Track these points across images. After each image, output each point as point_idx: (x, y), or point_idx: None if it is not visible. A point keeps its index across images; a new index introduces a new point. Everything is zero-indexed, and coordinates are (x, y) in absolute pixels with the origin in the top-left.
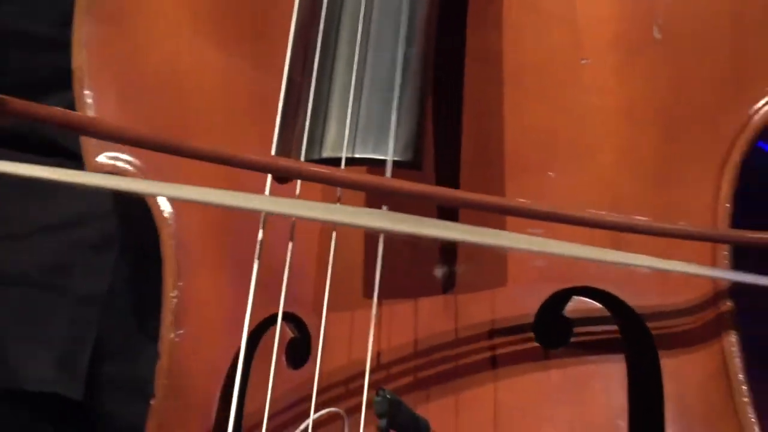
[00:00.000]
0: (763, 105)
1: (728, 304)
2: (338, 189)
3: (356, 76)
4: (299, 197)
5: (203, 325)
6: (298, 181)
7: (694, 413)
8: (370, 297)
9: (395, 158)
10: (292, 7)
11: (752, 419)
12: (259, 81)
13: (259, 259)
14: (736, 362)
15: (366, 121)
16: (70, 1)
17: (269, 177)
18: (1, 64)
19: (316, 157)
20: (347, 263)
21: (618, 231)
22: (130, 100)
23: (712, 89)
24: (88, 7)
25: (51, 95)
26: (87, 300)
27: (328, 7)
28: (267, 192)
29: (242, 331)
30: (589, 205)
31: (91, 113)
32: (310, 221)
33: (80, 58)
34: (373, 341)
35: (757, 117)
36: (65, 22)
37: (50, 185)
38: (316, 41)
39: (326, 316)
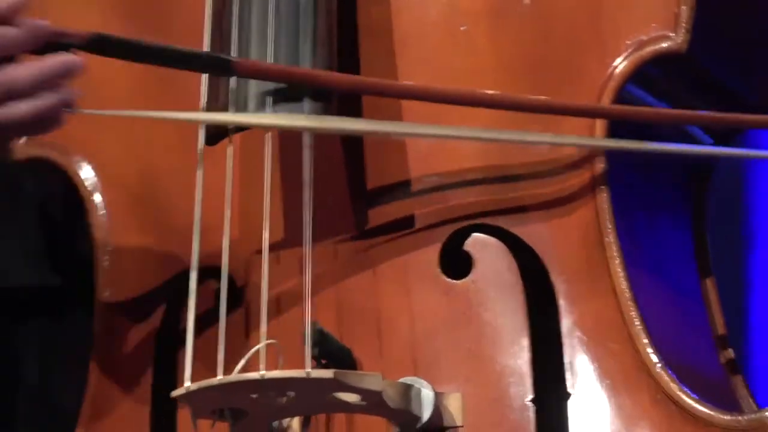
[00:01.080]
0: (622, 60)
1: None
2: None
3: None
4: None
5: (133, 281)
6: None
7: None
8: (297, 242)
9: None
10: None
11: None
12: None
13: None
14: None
15: None
16: None
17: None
18: None
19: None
20: (260, 212)
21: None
22: None
23: (575, 46)
24: None
25: None
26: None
27: None
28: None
29: (168, 282)
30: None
31: None
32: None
33: None
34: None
35: (617, 71)
36: None
37: None
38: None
39: (248, 261)
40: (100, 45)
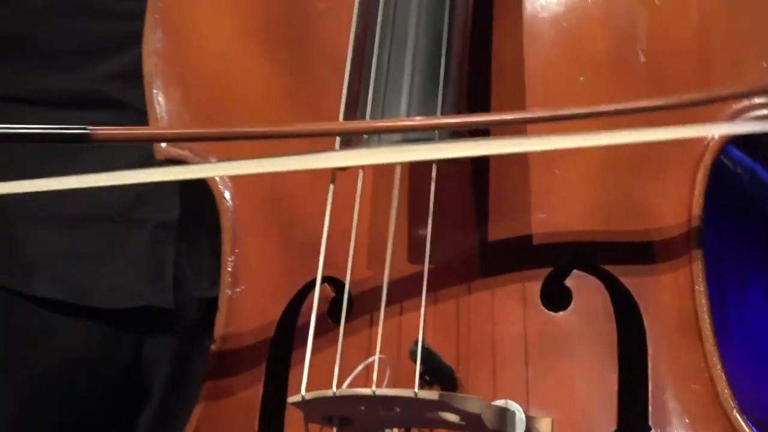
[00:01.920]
0: (735, 113)
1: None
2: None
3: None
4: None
5: (256, 284)
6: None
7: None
8: (416, 261)
9: None
10: (326, 24)
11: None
12: (296, 85)
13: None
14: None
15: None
16: None
17: None
18: (70, 29)
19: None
20: (386, 230)
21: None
22: (190, 97)
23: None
24: (156, 21)
25: (111, 57)
26: (162, 226)
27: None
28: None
29: (289, 288)
30: (578, 196)
31: (159, 109)
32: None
33: (149, 63)
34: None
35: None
36: None
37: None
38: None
39: (366, 279)
40: None
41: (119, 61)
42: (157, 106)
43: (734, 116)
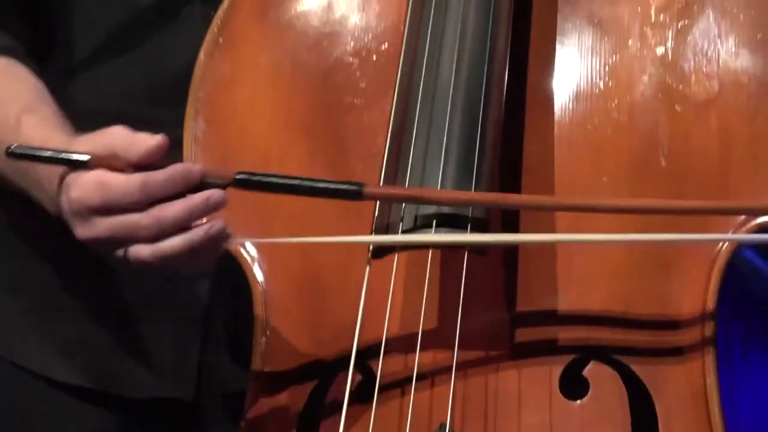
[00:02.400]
0: (741, 224)
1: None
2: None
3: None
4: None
5: (285, 366)
6: (395, 258)
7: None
8: (445, 344)
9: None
10: (364, 113)
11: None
12: (333, 176)
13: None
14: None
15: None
16: (158, 85)
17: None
18: None
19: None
20: (418, 312)
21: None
22: None
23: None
24: (196, 110)
25: None
26: (187, 320)
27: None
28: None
29: (316, 369)
30: (600, 285)
31: None
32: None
33: (188, 150)
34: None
35: (736, 235)
36: (154, 102)
37: None
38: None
39: (395, 361)
40: (243, 184)
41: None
42: None
43: (745, 224)
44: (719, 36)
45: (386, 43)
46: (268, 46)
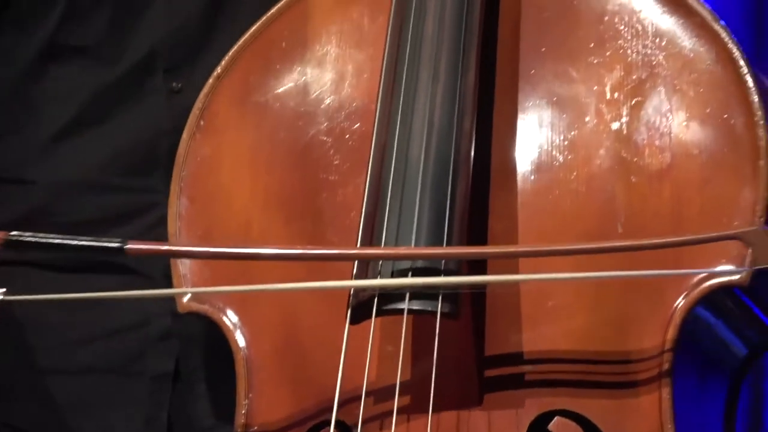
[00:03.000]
0: (694, 286)
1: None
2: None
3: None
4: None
5: (268, 424)
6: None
7: None
8: (419, 402)
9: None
10: (339, 189)
11: None
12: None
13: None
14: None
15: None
16: (129, 155)
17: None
18: (88, 203)
19: (383, 306)
20: (392, 378)
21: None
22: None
23: (659, 269)
24: (180, 189)
25: (123, 226)
26: (159, 377)
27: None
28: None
29: (300, 428)
30: (563, 329)
31: (183, 267)
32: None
33: (174, 226)
34: None
35: (690, 296)
36: (127, 172)
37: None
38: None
39: (372, 417)
40: (15, 245)
41: (130, 231)
42: (180, 265)
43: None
44: (670, 111)
45: (359, 123)
46: (247, 127)
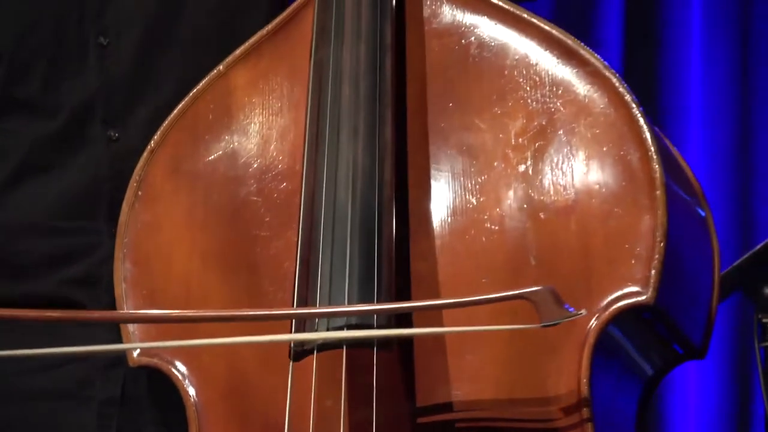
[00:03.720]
0: (604, 308)
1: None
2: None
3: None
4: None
5: None
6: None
7: None
8: None
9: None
10: (272, 242)
11: None
12: (250, 299)
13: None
14: None
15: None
16: (72, 199)
17: None
18: (33, 245)
19: (321, 341)
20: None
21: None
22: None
23: (571, 299)
24: (123, 254)
25: (69, 266)
26: (107, 403)
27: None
28: None
29: None
30: (486, 376)
31: (131, 326)
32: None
33: (120, 289)
34: None
35: (602, 317)
36: (74, 216)
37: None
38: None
39: None
40: None
41: (77, 270)
42: (129, 325)
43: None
44: (571, 152)
45: (285, 182)
46: (181, 194)
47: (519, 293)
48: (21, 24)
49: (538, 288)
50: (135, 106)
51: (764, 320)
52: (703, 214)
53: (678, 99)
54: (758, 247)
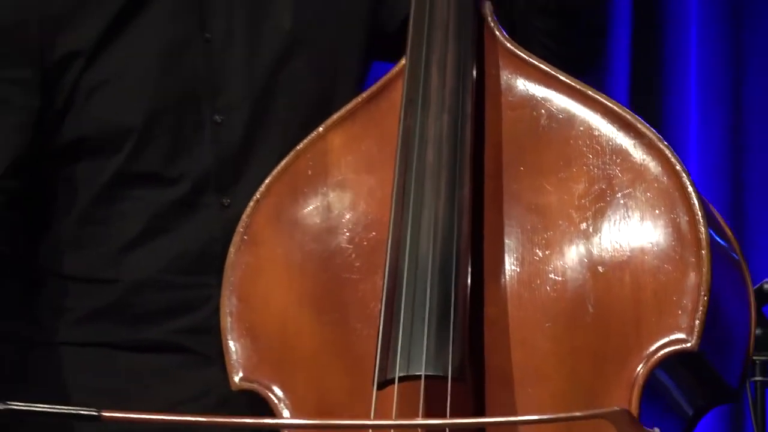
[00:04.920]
0: (653, 353)
1: None
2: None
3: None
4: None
5: None
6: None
7: None
8: None
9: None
10: (360, 285)
11: None
12: (339, 336)
13: None
14: None
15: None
16: (187, 258)
17: None
18: (154, 299)
19: (402, 374)
20: None
21: None
22: (257, 346)
23: (624, 346)
24: (230, 291)
25: (183, 317)
26: None
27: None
28: None
29: None
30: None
31: (234, 355)
32: None
33: (225, 321)
34: None
35: (650, 362)
36: (184, 271)
37: None
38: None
39: None
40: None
41: (189, 320)
42: (232, 353)
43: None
44: (627, 213)
45: (374, 232)
46: (281, 240)
47: (599, 413)
48: (149, 106)
49: (617, 409)
50: (244, 175)
51: (755, 358)
52: (737, 257)
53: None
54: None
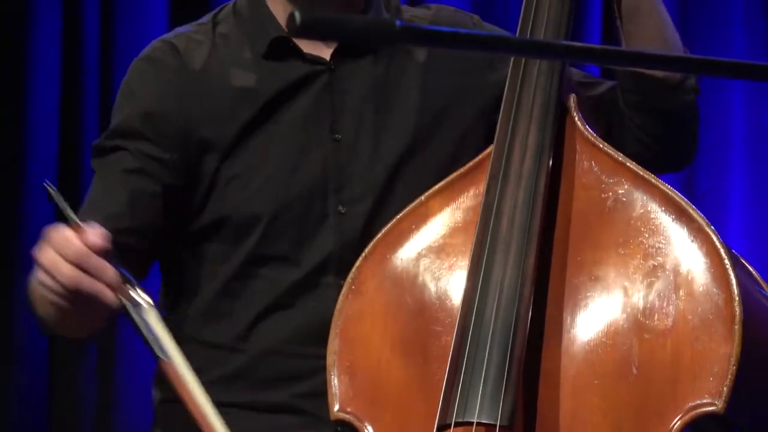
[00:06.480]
0: (685, 412)
1: None
2: None
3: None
4: None
5: None
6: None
7: None
8: None
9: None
10: (442, 336)
11: None
12: (421, 376)
13: None
14: None
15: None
16: (308, 331)
17: None
18: (272, 366)
19: (459, 419)
20: None
21: None
22: (354, 382)
23: (661, 404)
24: (336, 333)
25: (294, 386)
26: None
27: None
28: None
29: None
30: None
31: (335, 389)
32: None
33: (331, 359)
34: None
35: (681, 421)
36: (304, 342)
37: None
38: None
39: None
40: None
41: (306, 385)
42: (334, 387)
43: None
44: (673, 288)
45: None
46: (382, 293)
47: None
48: (278, 198)
49: None
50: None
51: None
52: None
53: None
54: None
